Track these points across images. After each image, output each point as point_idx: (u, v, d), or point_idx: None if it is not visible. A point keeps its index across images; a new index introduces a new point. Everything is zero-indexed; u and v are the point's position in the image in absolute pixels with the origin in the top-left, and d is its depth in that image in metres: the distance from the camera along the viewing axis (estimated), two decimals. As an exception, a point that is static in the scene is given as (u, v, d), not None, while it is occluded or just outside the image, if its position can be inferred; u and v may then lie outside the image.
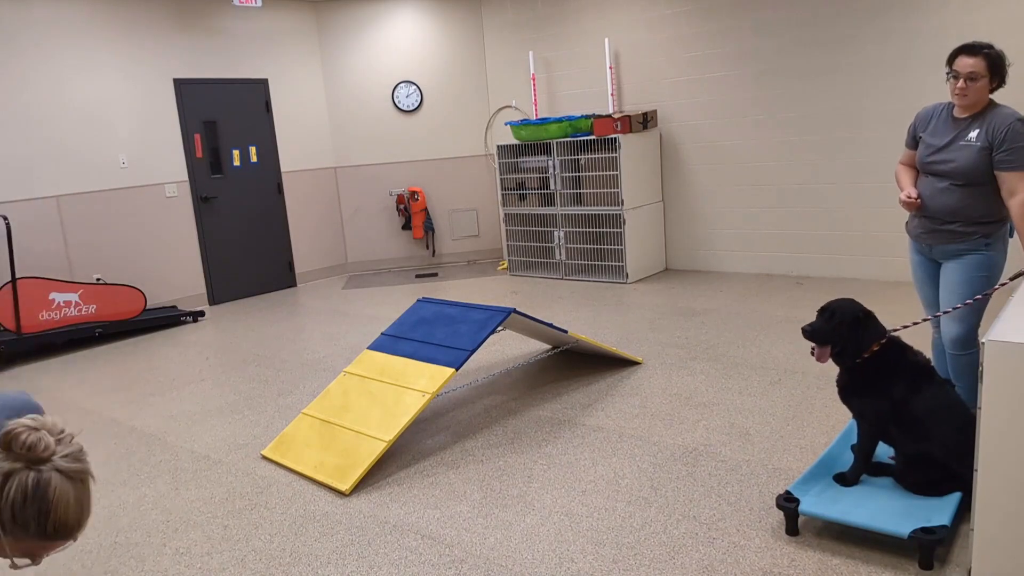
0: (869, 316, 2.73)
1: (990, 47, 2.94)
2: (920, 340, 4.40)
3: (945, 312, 3.00)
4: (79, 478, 1.32)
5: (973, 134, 2.97)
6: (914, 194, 3.08)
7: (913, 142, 3.25)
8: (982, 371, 2.03)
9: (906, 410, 2.65)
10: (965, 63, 2.93)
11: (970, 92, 2.95)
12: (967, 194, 2.99)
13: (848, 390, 2.79)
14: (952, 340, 3.06)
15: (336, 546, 2.89)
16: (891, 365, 2.70)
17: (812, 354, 2.79)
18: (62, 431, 1.34)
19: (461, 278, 8.02)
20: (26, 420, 1.32)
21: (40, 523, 1.28)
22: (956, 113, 3.07)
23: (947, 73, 3.01)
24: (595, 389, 4.34)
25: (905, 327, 3.01)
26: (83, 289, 6.29)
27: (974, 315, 3.03)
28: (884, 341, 2.72)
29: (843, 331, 2.70)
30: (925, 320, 3.02)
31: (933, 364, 3.42)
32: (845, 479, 2.79)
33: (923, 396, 2.64)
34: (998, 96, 3.08)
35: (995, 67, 2.93)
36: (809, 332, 2.75)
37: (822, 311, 2.77)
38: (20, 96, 6.30)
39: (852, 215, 6.39)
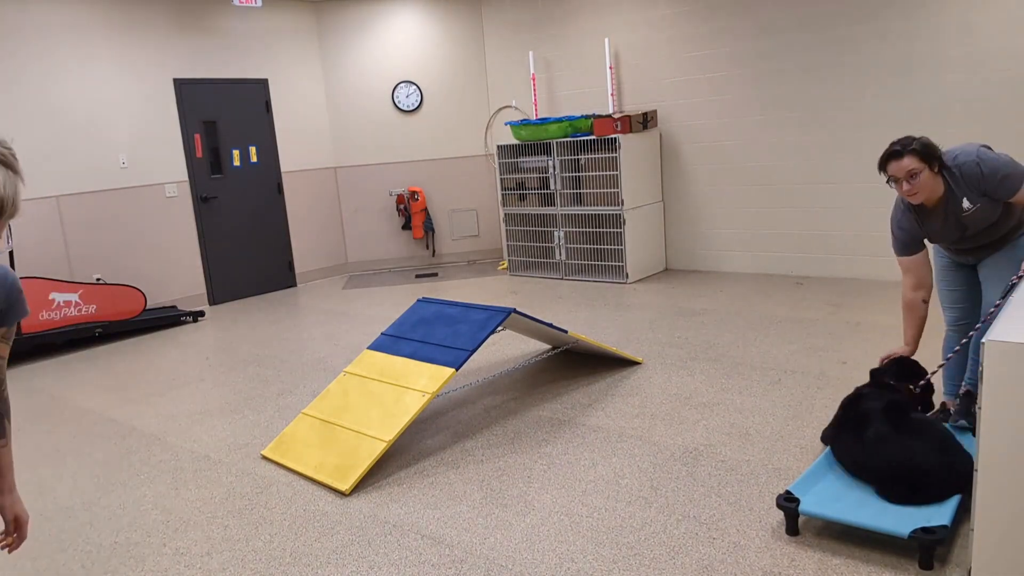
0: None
1: (910, 141, 2.84)
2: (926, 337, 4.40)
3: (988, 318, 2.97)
4: (7, 164, 1.52)
5: (965, 203, 2.88)
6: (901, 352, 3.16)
7: (915, 244, 3.05)
8: (982, 371, 2.03)
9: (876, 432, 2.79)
10: (898, 167, 2.84)
11: (919, 189, 2.85)
12: (994, 226, 2.98)
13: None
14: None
15: (336, 546, 2.90)
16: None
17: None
18: None
19: (461, 278, 8.02)
20: None
21: None
22: (928, 205, 2.97)
23: (887, 180, 2.91)
24: (595, 389, 4.34)
25: (940, 366, 3.09)
26: (83, 289, 6.29)
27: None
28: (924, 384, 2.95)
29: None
30: (945, 361, 3.03)
31: (942, 358, 3.39)
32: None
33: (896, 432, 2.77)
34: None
35: (928, 156, 2.82)
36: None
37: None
38: (20, 96, 6.30)
39: (852, 215, 6.39)
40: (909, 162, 2.82)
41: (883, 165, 2.89)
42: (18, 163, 1.58)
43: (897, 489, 2.63)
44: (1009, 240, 3.03)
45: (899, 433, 2.71)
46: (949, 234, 3.01)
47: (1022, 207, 2.98)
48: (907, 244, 3.05)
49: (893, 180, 2.88)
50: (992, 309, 2.89)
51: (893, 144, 2.87)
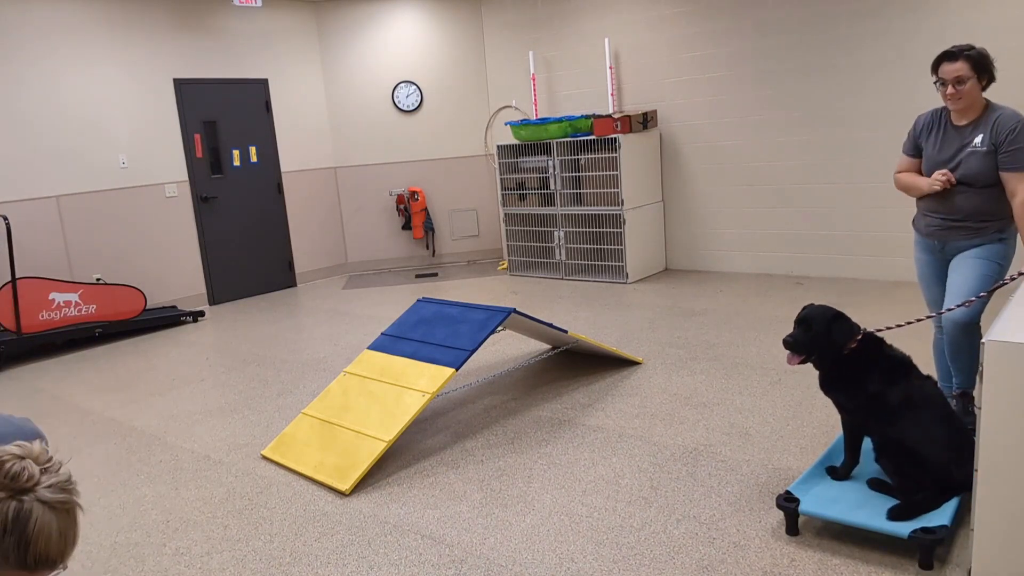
0: (840, 317, 2.75)
1: (970, 48, 2.93)
2: (919, 341, 4.40)
3: (949, 309, 2.98)
4: (64, 508, 1.29)
5: (977, 139, 2.97)
6: (949, 172, 3.04)
7: (914, 149, 3.21)
8: (982, 371, 2.03)
9: (883, 401, 2.66)
10: (949, 69, 2.94)
11: (962, 96, 2.95)
12: (979, 195, 2.99)
13: (828, 383, 2.82)
14: (955, 321, 3.02)
15: (336, 546, 2.90)
16: (868, 359, 2.72)
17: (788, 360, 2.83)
18: (50, 459, 1.31)
19: (461, 278, 8.02)
20: (12, 448, 1.29)
21: (20, 554, 1.25)
22: (955, 120, 3.05)
23: (935, 82, 3.01)
24: (595, 389, 4.33)
25: (899, 326, 3.02)
26: (83, 289, 6.29)
27: (980, 300, 3.03)
28: (860, 337, 2.74)
29: (820, 340, 2.74)
30: (929, 317, 3.01)
31: (934, 363, 3.42)
32: (836, 472, 2.81)
33: (900, 387, 2.65)
34: (997, 94, 3.08)
35: (980, 66, 2.92)
36: (791, 343, 2.78)
37: (799, 322, 2.79)
38: (20, 96, 6.30)
39: (852, 215, 6.39)
40: (960, 67, 2.92)
41: (936, 65, 2.99)
42: (75, 496, 1.32)
43: (893, 463, 2.65)
44: (980, 236, 3.06)
45: (908, 409, 2.66)
46: (939, 155, 3.08)
47: (1007, 201, 2.99)
48: (910, 140, 3.25)
49: (940, 82, 2.98)
50: (953, 307, 2.95)
51: (951, 47, 2.97)
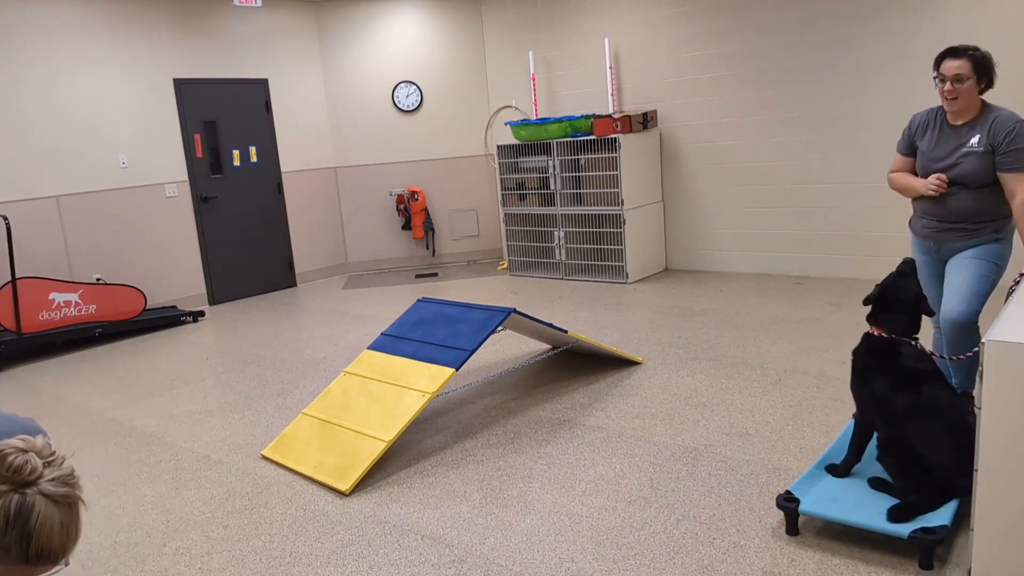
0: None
1: (975, 49, 2.94)
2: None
3: (959, 357, 2.98)
4: (67, 502, 1.28)
5: (975, 139, 2.97)
6: (944, 176, 3.05)
7: (909, 148, 3.23)
8: (982, 371, 2.03)
9: (898, 402, 2.65)
10: (950, 66, 2.95)
11: (959, 95, 2.95)
12: (975, 195, 3.00)
13: (864, 369, 2.77)
14: (953, 321, 3.03)
15: (336, 546, 2.90)
16: (898, 356, 2.70)
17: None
18: (52, 453, 1.31)
19: (461, 278, 8.02)
20: (15, 441, 1.28)
21: (21, 548, 1.24)
22: (951, 120, 3.06)
23: (934, 77, 3.02)
24: (595, 389, 4.34)
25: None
26: (83, 289, 6.29)
27: (978, 298, 3.03)
28: (917, 339, 2.74)
29: (916, 288, 2.76)
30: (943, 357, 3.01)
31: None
32: (836, 469, 2.81)
33: (919, 391, 2.64)
34: (991, 97, 3.08)
35: (981, 68, 2.94)
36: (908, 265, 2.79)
37: (901, 273, 2.83)
38: (20, 96, 6.30)
39: (852, 215, 6.39)
40: (962, 64, 2.94)
41: (938, 61, 3.01)
42: (78, 490, 1.32)
43: (896, 460, 2.64)
44: (976, 237, 3.06)
45: (923, 416, 2.64)
46: (935, 153, 3.09)
47: (1003, 202, 2.99)
48: (904, 138, 3.27)
49: (940, 79, 3.00)
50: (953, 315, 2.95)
51: (955, 45, 3.00)
